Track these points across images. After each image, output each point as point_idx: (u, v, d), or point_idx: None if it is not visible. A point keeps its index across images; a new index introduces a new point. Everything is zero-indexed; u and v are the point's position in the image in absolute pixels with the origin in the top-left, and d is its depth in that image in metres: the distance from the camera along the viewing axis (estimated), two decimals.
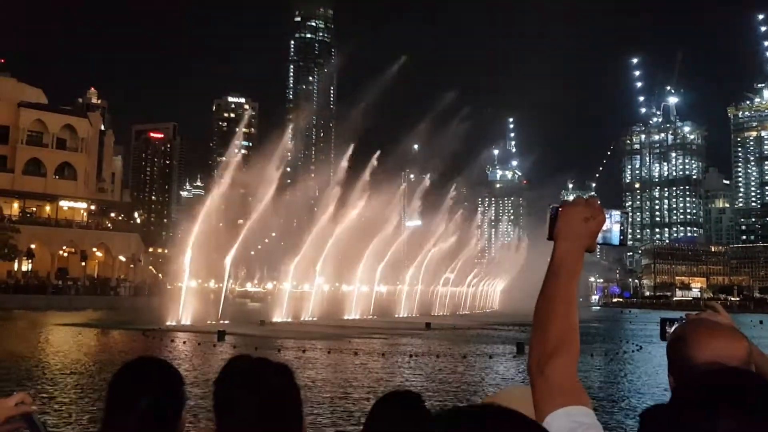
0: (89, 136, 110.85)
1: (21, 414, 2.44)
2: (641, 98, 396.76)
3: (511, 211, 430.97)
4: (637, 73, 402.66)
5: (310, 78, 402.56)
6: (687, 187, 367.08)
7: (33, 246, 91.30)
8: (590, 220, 1.80)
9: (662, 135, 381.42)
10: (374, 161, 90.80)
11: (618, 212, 1.93)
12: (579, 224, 1.79)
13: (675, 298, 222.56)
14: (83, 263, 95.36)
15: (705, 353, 1.92)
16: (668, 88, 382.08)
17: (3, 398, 2.44)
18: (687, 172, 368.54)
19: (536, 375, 1.65)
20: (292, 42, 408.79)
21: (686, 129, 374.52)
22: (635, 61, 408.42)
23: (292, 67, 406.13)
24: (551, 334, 1.67)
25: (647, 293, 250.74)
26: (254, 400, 2.39)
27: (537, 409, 1.60)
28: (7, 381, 21.03)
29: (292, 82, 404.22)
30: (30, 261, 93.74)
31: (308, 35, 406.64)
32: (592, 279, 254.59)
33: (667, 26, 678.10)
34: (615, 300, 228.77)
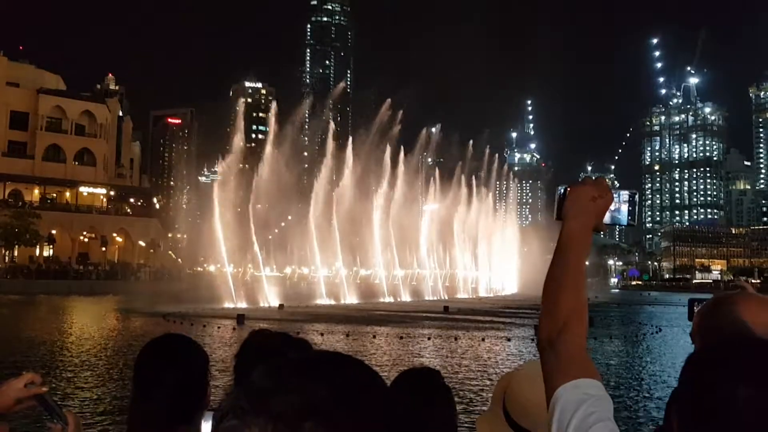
0: (108, 122, 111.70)
1: (31, 395, 2.44)
2: (661, 79, 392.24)
3: (530, 194, 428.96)
4: (657, 53, 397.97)
5: (327, 62, 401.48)
6: (707, 169, 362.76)
7: (54, 231, 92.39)
8: (598, 199, 1.83)
9: (682, 116, 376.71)
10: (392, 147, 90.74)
11: (626, 192, 1.96)
12: (587, 203, 1.82)
13: (695, 281, 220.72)
14: (103, 248, 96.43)
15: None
16: (688, 68, 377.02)
17: (12, 379, 2.42)
18: (707, 154, 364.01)
19: (546, 350, 1.67)
20: (309, 26, 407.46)
21: (707, 110, 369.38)
22: (655, 41, 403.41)
23: (308, 51, 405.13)
24: (560, 309, 1.69)
25: (667, 276, 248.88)
26: None
27: (547, 382, 1.63)
28: (24, 367, 21.34)
29: (308, 66, 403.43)
30: (51, 246, 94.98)
31: (324, 19, 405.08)
32: (611, 262, 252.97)
33: (687, 6, 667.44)
34: (634, 283, 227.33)
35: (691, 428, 1.27)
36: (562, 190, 1.88)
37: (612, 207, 1.88)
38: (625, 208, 1.94)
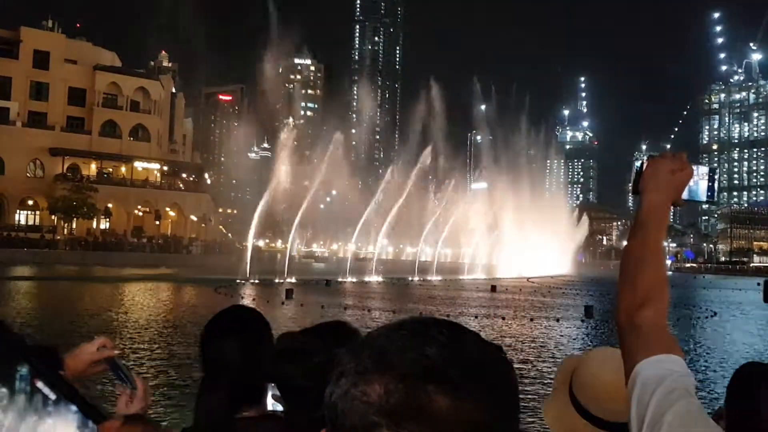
0: (161, 99, 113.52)
1: (103, 358, 2.50)
2: (722, 55, 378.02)
3: (581, 173, 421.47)
4: (718, 28, 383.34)
5: (376, 38, 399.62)
6: None
7: (110, 205, 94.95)
8: (677, 172, 1.77)
9: (743, 94, 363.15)
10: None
11: (706, 168, 1.91)
12: (666, 176, 1.76)
13: (753, 264, 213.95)
14: (157, 222, 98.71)
15: None
16: (751, 44, 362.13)
17: (85, 343, 2.50)
18: None
19: (625, 326, 1.61)
20: (358, 2, 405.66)
21: None
22: (716, 15, 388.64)
23: (357, 27, 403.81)
24: (640, 284, 1.64)
25: (723, 259, 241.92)
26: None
27: (626, 359, 1.57)
28: (84, 337, 21.93)
29: (357, 42, 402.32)
30: (107, 219, 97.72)
31: None
32: (664, 243, 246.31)
33: None
34: (688, 265, 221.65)
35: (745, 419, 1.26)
36: (640, 164, 1.82)
37: (690, 182, 1.83)
38: (704, 183, 1.89)
